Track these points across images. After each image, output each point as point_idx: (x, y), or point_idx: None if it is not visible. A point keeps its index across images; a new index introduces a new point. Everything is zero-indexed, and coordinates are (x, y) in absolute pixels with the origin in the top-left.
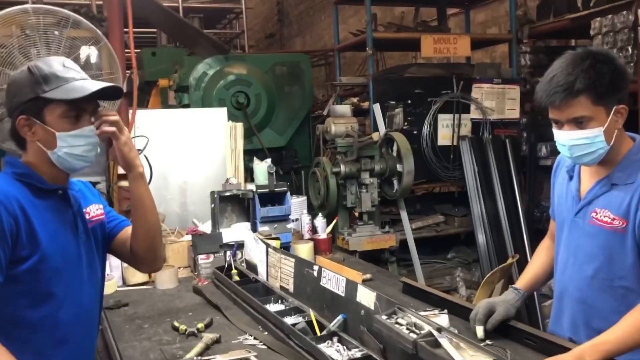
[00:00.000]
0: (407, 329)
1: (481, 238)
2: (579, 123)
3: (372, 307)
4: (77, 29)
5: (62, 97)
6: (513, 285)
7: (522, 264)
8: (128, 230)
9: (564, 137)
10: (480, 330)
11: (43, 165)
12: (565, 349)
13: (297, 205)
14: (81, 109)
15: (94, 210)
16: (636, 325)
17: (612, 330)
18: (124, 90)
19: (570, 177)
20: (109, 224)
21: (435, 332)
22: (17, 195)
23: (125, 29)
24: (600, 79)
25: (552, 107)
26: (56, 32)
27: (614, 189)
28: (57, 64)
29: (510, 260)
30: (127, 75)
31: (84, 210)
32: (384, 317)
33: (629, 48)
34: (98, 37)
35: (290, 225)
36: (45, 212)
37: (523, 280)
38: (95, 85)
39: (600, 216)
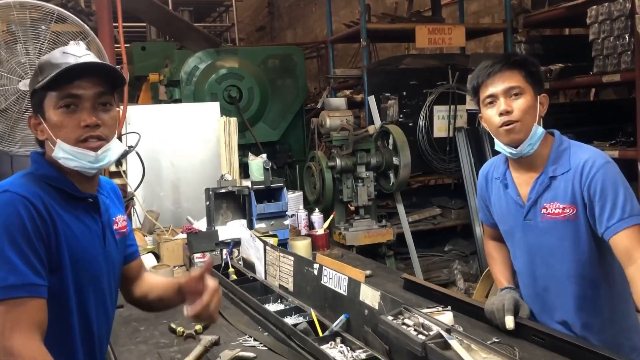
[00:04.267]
0: (415, 330)
1: (478, 230)
2: (514, 95)
3: (377, 307)
4: (63, 24)
5: (43, 83)
6: (507, 285)
7: None
8: (139, 262)
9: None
10: (510, 320)
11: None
12: (574, 346)
13: (293, 200)
14: (73, 96)
15: (121, 222)
16: None
17: None
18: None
19: (506, 186)
20: (128, 249)
21: (444, 333)
22: (47, 202)
23: (114, 24)
24: (530, 62)
25: (490, 77)
26: (42, 27)
27: (553, 182)
28: (58, 52)
29: None
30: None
31: (113, 219)
32: (390, 317)
33: (626, 36)
34: (86, 32)
35: (287, 222)
36: (73, 224)
37: (508, 278)
38: (77, 62)
39: (551, 210)
